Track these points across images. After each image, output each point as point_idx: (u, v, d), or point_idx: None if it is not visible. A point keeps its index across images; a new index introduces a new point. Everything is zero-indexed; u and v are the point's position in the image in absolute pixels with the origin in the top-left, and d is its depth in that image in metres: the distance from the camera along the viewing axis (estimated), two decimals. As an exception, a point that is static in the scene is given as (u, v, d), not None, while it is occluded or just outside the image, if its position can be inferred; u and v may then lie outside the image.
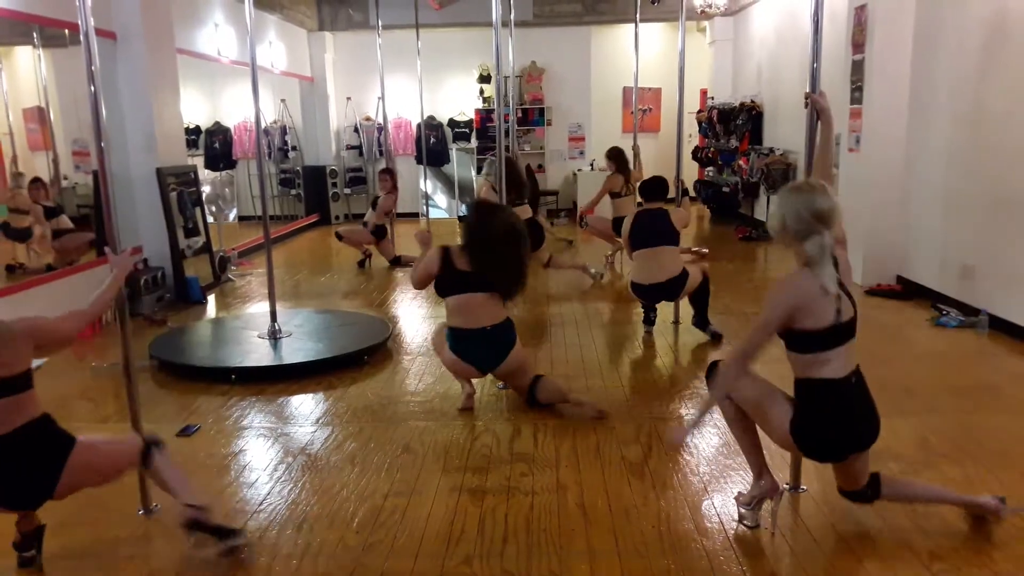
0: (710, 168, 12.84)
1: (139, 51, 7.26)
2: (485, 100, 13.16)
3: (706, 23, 13.01)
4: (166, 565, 2.91)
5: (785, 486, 3.30)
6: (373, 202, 9.33)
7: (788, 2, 10.15)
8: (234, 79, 11.70)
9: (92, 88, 3.05)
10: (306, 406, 4.60)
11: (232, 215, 11.91)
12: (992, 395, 4.56)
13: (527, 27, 12.21)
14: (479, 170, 13.17)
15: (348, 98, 13.47)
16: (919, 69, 6.83)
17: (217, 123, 12.65)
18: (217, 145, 12.47)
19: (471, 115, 13.40)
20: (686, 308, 6.28)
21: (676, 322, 6.14)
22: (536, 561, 2.86)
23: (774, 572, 2.79)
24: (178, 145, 8.04)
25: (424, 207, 12.71)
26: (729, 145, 11.74)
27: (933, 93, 6.62)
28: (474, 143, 13.38)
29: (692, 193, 12.13)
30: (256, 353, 5.40)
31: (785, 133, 10.24)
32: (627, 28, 12.52)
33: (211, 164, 12.25)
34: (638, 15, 8.75)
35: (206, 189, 8.88)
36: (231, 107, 12.59)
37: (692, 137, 13.17)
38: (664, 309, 6.08)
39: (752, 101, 11.33)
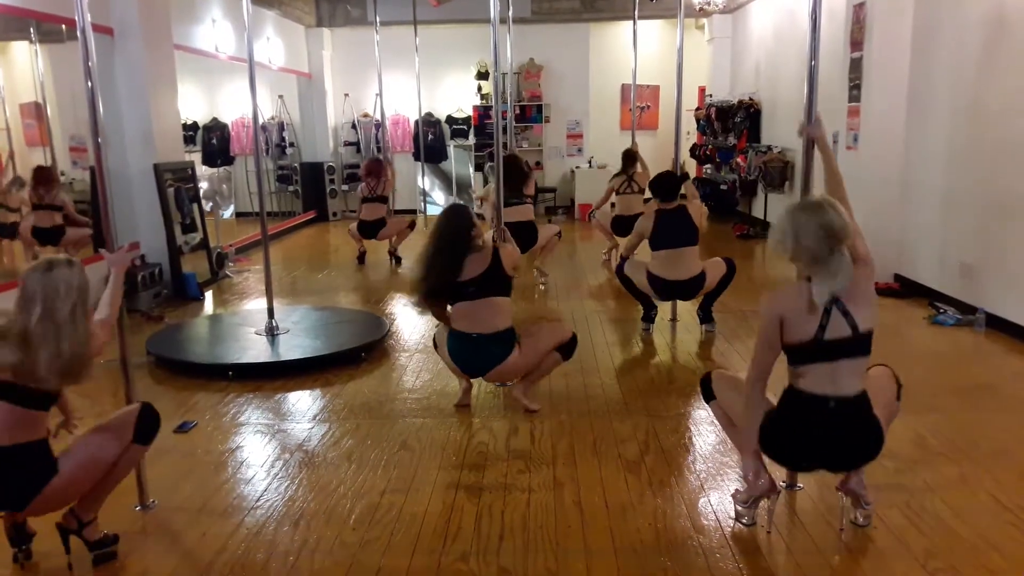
0: (708, 166, 12.84)
1: (136, 47, 7.25)
2: (483, 97, 13.15)
3: (704, 20, 13.00)
4: (163, 560, 2.91)
5: (782, 484, 3.31)
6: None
7: (786, 0, 10.15)
8: (231, 75, 11.67)
9: (89, 84, 3.04)
10: (303, 403, 4.60)
11: (229, 211, 11.90)
12: (989, 393, 4.56)
13: (525, 24, 12.20)
14: (477, 167, 13.16)
15: (346, 94, 13.45)
16: (917, 67, 6.83)
17: (215, 119, 12.62)
18: (215, 141, 12.45)
19: (469, 112, 13.39)
20: (684, 306, 6.28)
21: (674, 319, 6.14)
22: (532, 558, 2.86)
23: (770, 570, 2.79)
24: (175, 141, 8.02)
25: (422, 204, 12.72)
26: (727, 143, 11.74)
27: (931, 91, 6.62)
28: (472, 140, 13.36)
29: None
30: (253, 349, 5.40)
31: (783, 131, 10.23)
32: (625, 25, 12.51)
33: (208, 160, 12.23)
34: (636, 12, 8.75)
35: (203, 185, 8.86)
36: (229, 103, 12.56)
37: (690, 134, 13.16)
38: (662, 308, 6.08)
39: (750, 99, 11.33)
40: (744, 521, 3.06)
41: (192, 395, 4.71)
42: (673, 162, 6.30)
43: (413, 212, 12.70)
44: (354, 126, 13.47)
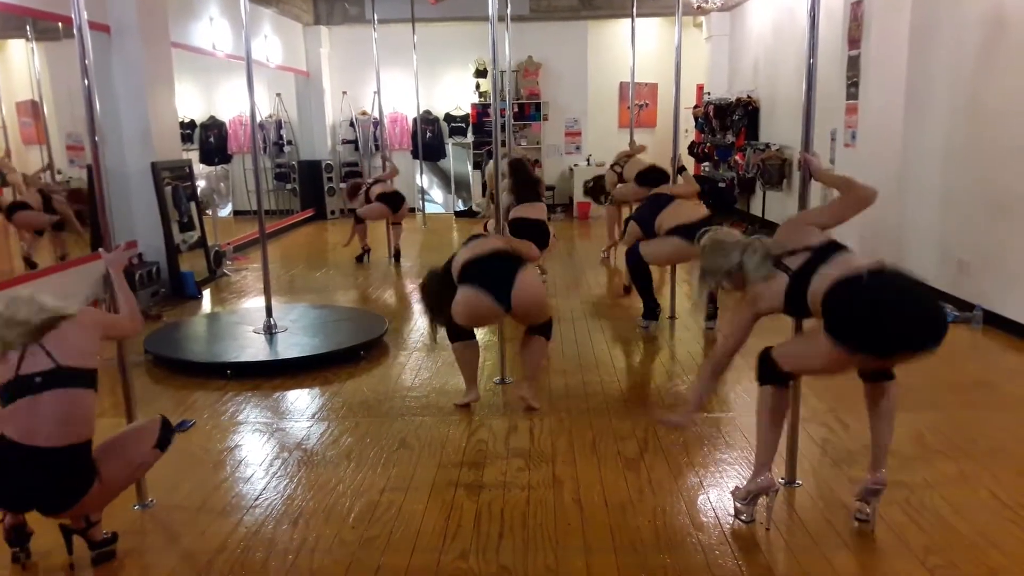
0: (706, 163, 12.83)
1: (134, 45, 7.23)
2: (481, 95, 13.13)
3: (702, 18, 12.99)
4: (162, 559, 2.90)
5: (780, 481, 3.31)
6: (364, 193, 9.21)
7: (785, -3, 10.14)
8: (229, 73, 11.65)
9: (86, 82, 3.03)
10: (302, 401, 4.59)
11: (227, 209, 11.89)
12: (987, 391, 4.57)
13: (523, 22, 12.18)
14: (475, 165, 13.14)
15: (344, 92, 13.43)
16: (915, 65, 6.83)
17: (212, 117, 12.61)
18: (212, 139, 12.44)
19: (467, 110, 13.37)
20: (683, 304, 6.29)
21: (672, 317, 6.14)
22: (532, 556, 2.86)
23: (770, 567, 2.79)
24: (173, 139, 8.01)
25: (420, 202, 12.70)
26: (725, 140, 11.74)
27: (929, 89, 6.62)
28: (470, 138, 13.34)
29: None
30: (252, 348, 5.39)
31: (781, 128, 10.23)
32: (624, 23, 12.48)
33: (206, 158, 12.21)
34: (635, 10, 8.74)
35: (201, 183, 8.85)
36: (226, 101, 12.55)
37: (688, 132, 13.14)
38: (662, 308, 6.07)
39: (748, 96, 11.32)
40: (743, 518, 3.06)
41: (190, 394, 4.71)
42: (671, 160, 6.33)
43: (412, 211, 12.69)
44: (352, 124, 13.45)
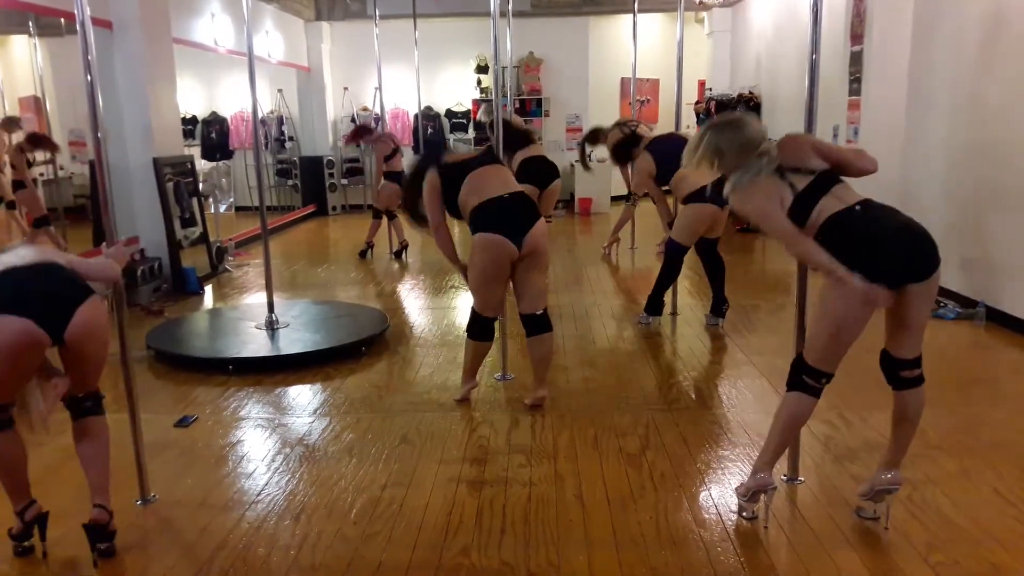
0: (708, 159, 12.80)
1: (136, 41, 7.23)
2: (483, 91, 13.11)
3: (704, 14, 12.98)
4: (163, 554, 2.91)
5: (783, 478, 3.31)
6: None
7: (787, -7, 10.13)
8: (231, 69, 11.66)
9: (88, 78, 3.03)
10: (304, 397, 4.59)
11: (225, 205, 11.87)
12: (989, 387, 4.57)
13: (525, 17, 12.17)
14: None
15: (345, 88, 13.42)
16: (918, 60, 6.81)
17: (214, 113, 12.62)
18: (214, 135, 12.45)
19: (468, 106, 13.36)
20: (685, 301, 6.28)
21: (674, 313, 6.14)
22: (534, 552, 2.86)
23: (772, 564, 2.79)
24: (175, 135, 8.01)
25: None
26: (727, 137, 11.70)
27: (932, 85, 6.61)
28: (471, 134, 13.34)
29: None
30: (253, 344, 5.40)
31: (783, 124, 10.20)
32: (625, 19, 12.47)
33: (208, 154, 12.22)
34: (636, 5, 8.73)
35: (203, 179, 8.85)
36: (228, 97, 12.56)
37: (690, 128, 13.12)
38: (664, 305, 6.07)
39: (750, 92, 11.30)
40: (745, 515, 3.06)
41: (192, 389, 4.71)
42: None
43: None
44: (353, 120, 13.43)
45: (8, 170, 6.70)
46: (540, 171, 7.13)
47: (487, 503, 3.23)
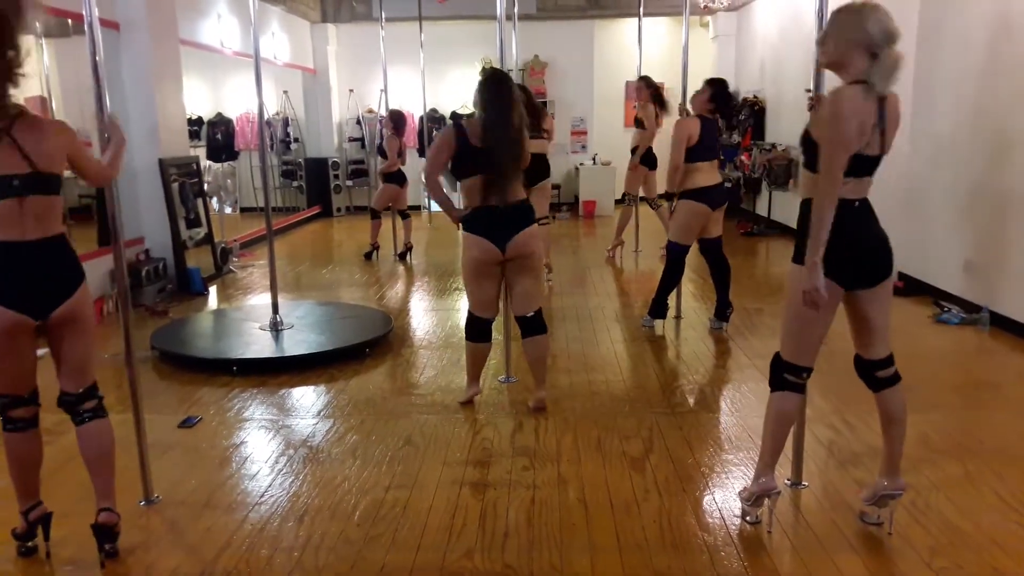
0: (712, 163, 12.81)
1: (143, 42, 7.25)
2: (488, 93, 13.10)
3: (709, 18, 12.97)
4: (167, 555, 2.91)
5: (787, 482, 3.31)
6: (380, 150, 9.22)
7: (792, -3, 10.12)
8: (237, 70, 11.68)
9: (96, 79, 3.04)
10: (307, 398, 4.60)
11: (230, 206, 11.91)
12: (993, 392, 4.56)
13: (530, 20, 12.18)
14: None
15: (351, 90, 13.44)
16: (922, 64, 6.80)
17: (219, 114, 12.65)
18: (219, 136, 12.48)
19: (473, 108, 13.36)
20: (688, 304, 6.28)
21: (678, 317, 6.14)
22: (537, 555, 2.86)
23: (775, 568, 2.79)
24: (180, 136, 8.03)
25: (426, 199, 12.70)
26: (731, 140, 11.72)
27: (936, 88, 6.59)
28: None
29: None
30: (258, 345, 5.40)
31: (787, 129, 10.21)
32: (630, 22, 12.48)
33: (213, 155, 12.25)
34: (641, 9, 8.71)
35: (208, 180, 8.88)
36: (233, 98, 12.59)
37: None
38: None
39: (755, 96, 11.31)
40: (749, 519, 3.05)
41: (196, 390, 4.72)
42: None
43: (417, 208, 12.70)
44: (359, 122, 13.47)
45: None
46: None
47: (490, 506, 3.23)
